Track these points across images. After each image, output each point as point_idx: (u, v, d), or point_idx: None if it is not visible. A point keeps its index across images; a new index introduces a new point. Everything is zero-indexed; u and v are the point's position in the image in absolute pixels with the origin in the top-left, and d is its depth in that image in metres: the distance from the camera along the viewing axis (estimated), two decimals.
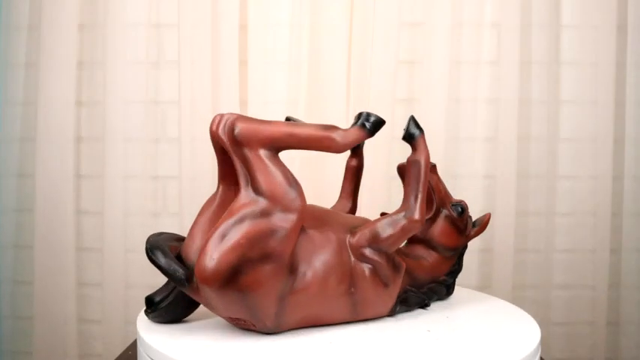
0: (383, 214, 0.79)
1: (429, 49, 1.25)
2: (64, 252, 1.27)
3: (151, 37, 1.29)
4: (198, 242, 0.70)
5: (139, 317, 0.79)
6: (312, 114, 1.24)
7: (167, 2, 1.27)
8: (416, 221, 0.75)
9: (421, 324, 0.77)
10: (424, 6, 1.26)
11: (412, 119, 0.79)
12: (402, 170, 0.83)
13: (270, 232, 0.66)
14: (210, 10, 1.24)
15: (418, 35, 1.27)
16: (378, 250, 0.74)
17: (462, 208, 0.85)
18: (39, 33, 1.25)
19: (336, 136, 0.71)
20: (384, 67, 1.24)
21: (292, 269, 0.68)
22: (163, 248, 0.71)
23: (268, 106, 1.26)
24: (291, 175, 0.69)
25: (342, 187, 0.91)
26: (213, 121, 0.69)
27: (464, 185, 1.28)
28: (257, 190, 0.67)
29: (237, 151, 0.68)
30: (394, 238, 0.74)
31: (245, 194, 0.67)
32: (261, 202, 0.67)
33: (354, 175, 0.90)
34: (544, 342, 0.93)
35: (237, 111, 1.25)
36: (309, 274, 0.69)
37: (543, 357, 0.80)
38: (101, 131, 1.27)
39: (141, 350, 0.72)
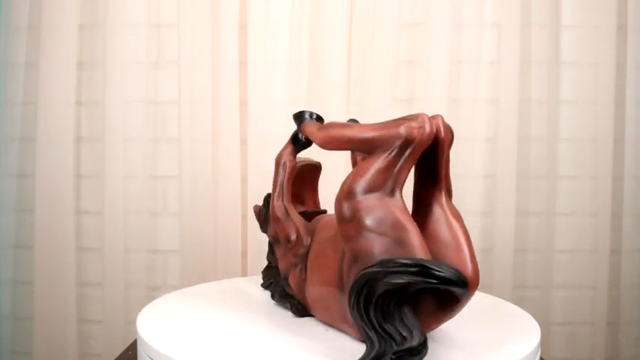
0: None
1: (429, 49, 1.25)
2: (64, 252, 1.27)
3: (151, 37, 1.29)
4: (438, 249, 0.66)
5: (139, 317, 0.79)
6: None
7: (167, 2, 1.27)
8: None
9: None
10: (424, 6, 1.26)
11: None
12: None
13: None
14: (210, 10, 1.24)
15: (418, 35, 1.27)
16: None
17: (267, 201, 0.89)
18: (39, 33, 1.25)
19: None
20: (384, 67, 1.24)
21: None
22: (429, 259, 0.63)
23: (268, 106, 1.26)
24: None
25: None
26: (426, 122, 0.67)
27: (464, 185, 1.28)
28: (447, 192, 0.69)
29: (447, 153, 0.69)
30: None
31: (447, 196, 0.69)
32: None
33: None
34: (544, 342, 0.93)
35: (237, 111, 1.25)
36: None
37: (543, 357, 0.80)
38: (101, 131, 1.27)
39: (141, 350, 0.72)
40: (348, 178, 0.67)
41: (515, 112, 1.25)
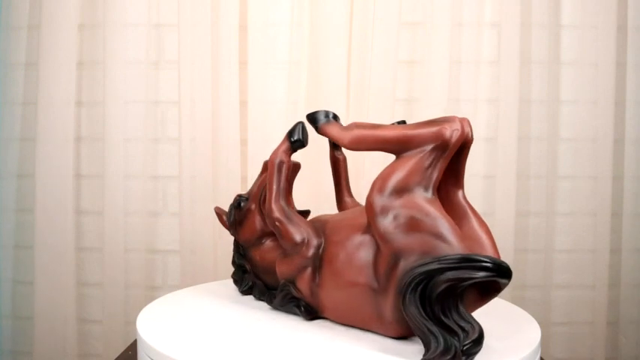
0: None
1: (429, 49, 1.25)
2: (64, 252, 1.27)
3: (151, 37, 1.29)
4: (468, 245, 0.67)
5: (138, 317, 0.79)
6: None
7: (167, 2, 1.27)
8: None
9: None
10: (424, 6, 1.26)
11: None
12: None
13: None
14: (210, 10, 1.24)
15: (418, 35, 1.27)
16: None
17: (239, 202, 0.89)
18: (39, 33, 1.25)
19: None
20: (384, 67, 1.24)
21: None
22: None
23: (268, 106, 1.26)
24: None
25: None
26: (458, 124, 0.67)
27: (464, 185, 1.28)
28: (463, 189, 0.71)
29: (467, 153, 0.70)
30: None
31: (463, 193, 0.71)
32: None
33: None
34: (544, 342, 0.93)
35: (237, 111, 1.25)
36: None
37: (543, 357, 0.80)
38: (101, 131, 1.27)
39: (141, 350, 0.72)
40: (379, 178, 0.68)
41: (515, 112, 1.25)
